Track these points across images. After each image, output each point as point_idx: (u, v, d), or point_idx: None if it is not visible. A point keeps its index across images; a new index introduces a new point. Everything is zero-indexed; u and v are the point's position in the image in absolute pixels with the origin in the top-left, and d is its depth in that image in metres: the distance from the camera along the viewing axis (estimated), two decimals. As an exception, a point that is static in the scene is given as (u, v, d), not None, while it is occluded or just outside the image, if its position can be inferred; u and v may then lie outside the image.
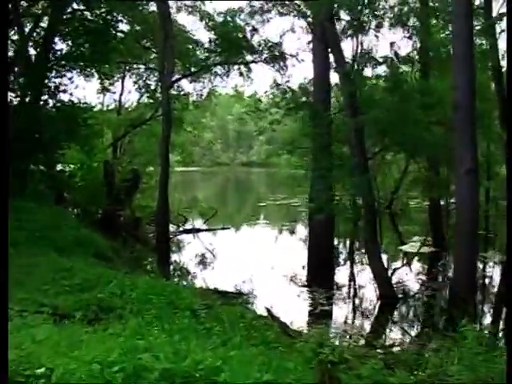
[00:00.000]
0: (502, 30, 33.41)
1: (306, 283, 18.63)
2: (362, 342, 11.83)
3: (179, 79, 31.17)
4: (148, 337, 7.97)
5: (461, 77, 13.97)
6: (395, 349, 10.68)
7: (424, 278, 19.16)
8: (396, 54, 18.34)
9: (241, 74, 32.32)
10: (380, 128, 15.83)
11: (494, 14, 32.57)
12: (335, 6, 16.05)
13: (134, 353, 5.82)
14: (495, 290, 18.18)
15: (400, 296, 16.22)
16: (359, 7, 16.60)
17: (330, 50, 19.27)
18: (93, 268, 14.66)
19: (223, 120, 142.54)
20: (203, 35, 30.14)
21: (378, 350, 10.71)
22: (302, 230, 34.65)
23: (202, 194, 62.65)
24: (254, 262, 21.00)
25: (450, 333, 9.60)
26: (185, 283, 16.54)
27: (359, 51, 17.34)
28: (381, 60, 17.55)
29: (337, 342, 10.69)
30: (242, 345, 8.27)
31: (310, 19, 21.66)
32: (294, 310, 14.94)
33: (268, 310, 13.51)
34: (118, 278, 12.55)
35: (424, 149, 16.76)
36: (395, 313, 15.27)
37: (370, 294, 16.78)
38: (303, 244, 28.30)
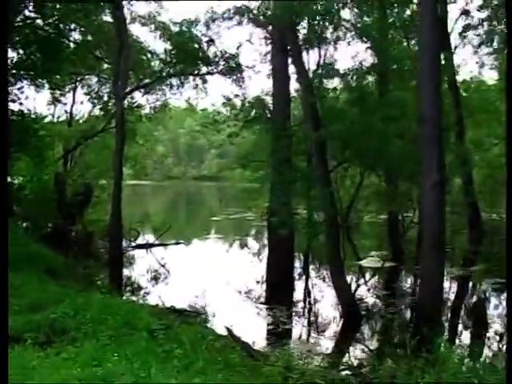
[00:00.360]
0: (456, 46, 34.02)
1: (264, 300, 18.17)
2: (329, 362, 11.40)
3: (133, 90, 30.40)
4: (105, 362, 7.49)
5: (427, 89, 13.71)
6: (364, 370, 10.26)
7: (384, 293, 18.81)
8: (360, 64, 17.95)
9: (195, 87, 31.85)
10: (342, 140, 15.48)
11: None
12: (295, 16, 15.64)
13: (91, 384, 5.29)
14: (461, 305, 17.89)
15: (363, 313, 15.82)
16: (318, 17, 16.16)
17: (291, 60, 18.96)
18: (44, 286, 14.02)
19: (175, 133, 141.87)
20: (158, 46, 29.35)
21: (347, 372, 10.31)
22: (255, 245, 34.29)
23: (153, 208, 61.82)
24: (209, 277, 20.52)
25: (421, 352, 9.17)
26: (141, 301, 15.78)
27: (321, 62, 16.97)
28: (342, 71, 17.08)
29: (302, 364, 10.16)
30: (205, 370, 7.81)
31: (268, 29, 21.22)
32: (255, 329, 14.49)
33: (228, 330, 12.98)
34: (70, 297, 11.98)
35: (387, 161, 16.46)
36: (360, 331, 14.86)
37: (332, 311, 16.37)
38: (257, 259, 27.95)
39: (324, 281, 20.56)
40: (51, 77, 25.86)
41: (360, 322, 15.21)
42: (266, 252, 29.26)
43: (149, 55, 30.07)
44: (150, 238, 30.44)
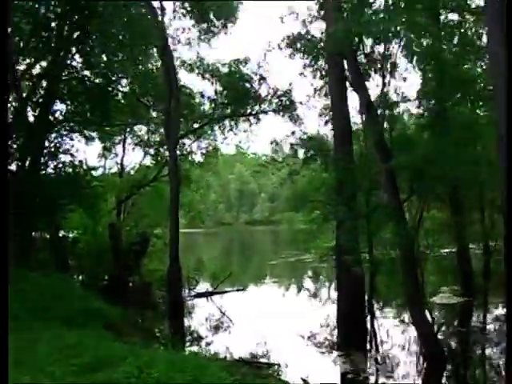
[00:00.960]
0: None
1: (336, 345, 16.97)
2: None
3: (185, 135, 29.71)
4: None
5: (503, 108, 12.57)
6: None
7: (464, 330, 17.43)
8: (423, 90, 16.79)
9: (246, 130, 31.12)
10: (415, 170, 14.29)
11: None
12: (356, 39, 14.69)
13: None
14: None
15: (447, 353, 14.49)
16: (390, 35, 14.78)
17: (352, 89, 17.94)
18: (104, 342, 13.13)
19: (225, 179, 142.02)
20: (207, 88, 28.66)
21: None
22: (314, 286, 32.97)
23: (208, 255, 60.97)
24: (272, 323, 19.50)
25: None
26: (206, 353, 14.68)
27: (384, 89, 15.83)
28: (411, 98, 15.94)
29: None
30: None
31: (322, 59, 20.31)
32: (332, 378, 13.32)
33: (305, 382, 11.94)
34: (133, 354, 10.98)
35: (464, 189, 15.25)
36: (446, 373, 13.54)
37: (412, 352, 15.10)
38: (318, 301, 26.77)
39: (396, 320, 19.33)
40: (100, 127, 25.53)
41: (445, 363, 13.91)
42: (326, 293, 28.19)
43: (199, 98, 29.44)
44: (207, 286, 29.51)
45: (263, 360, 14.65)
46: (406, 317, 19.94)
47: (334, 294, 28.51)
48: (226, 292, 27.40)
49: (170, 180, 25.03)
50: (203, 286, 29.16)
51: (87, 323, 14.59)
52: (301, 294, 30.64)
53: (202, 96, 28.85)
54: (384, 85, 15.82)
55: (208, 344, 17.72)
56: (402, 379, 13.38)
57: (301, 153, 26.24)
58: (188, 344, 17.66)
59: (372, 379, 13.48)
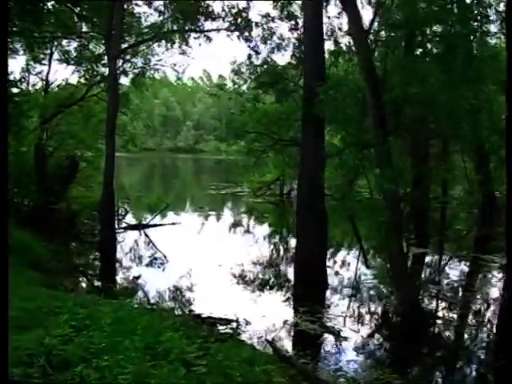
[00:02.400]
0: None
1: (293, 295, 15.23)
2: None
3: (128, 48, 26.51)
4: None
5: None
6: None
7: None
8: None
9: (182, 52, 28.41)
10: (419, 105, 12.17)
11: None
12: None
13: None
14: None
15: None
16: None
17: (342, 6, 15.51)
18: (32, 288, 10.98)
19: (149, 104, 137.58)
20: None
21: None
22: (250, 223, 31.15)
23: (135, 182, 57.99)
24: (218, 265, 17.87)
25: None
26: (153, 306, 12.47)
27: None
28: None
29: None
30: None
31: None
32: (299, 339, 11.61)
33: (274, 348, 10.16)
34: (68, 307, 9.01)
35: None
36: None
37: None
38: (264, 238, 25.12)
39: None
40: (29, 37, 22.43)
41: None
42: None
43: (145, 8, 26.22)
44: (137, 216, 27.33)
45: (217, 315, 12.59)
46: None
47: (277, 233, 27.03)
48: (160, 225, 25.21)
49: (108, 97, 22.31)
50: (138, 217, 26.96)
51: (12, 261, 12.23)
52: (240, 230, 28.65)
53: (149, 4, 25.52)
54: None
55: (156, 294, 15.37)
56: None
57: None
58: (128, 291, 15.49)
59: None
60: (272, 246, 23.86)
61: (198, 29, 25.38)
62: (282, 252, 22.65)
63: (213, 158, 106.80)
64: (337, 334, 11.73)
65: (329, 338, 11.70)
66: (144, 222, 25.11)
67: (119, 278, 17.41)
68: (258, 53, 24.54)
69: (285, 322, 12.62)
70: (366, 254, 20.62)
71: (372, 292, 15.30)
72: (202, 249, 20.64)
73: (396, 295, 12.81)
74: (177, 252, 20.10)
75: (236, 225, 30.15)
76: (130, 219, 26.15)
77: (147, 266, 18.84)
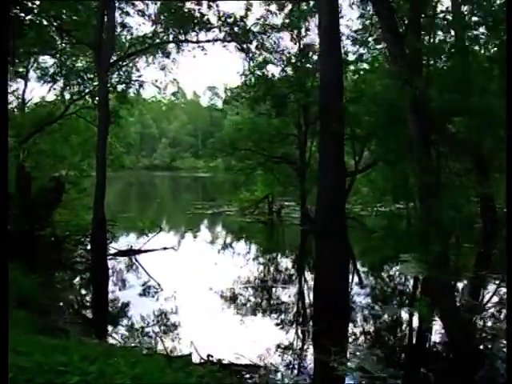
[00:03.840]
0: None
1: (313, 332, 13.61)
2: None
3: (119, 60, 24.70)
4: None
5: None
6: None
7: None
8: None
9: (162, 68, 27.19)
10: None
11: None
12: None
13: None
14: None
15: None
16: None
17: (375, 10, 13.93)
18: (27, 338, 9.37)
19: (125, 122, 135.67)
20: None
21: None
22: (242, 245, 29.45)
23: (114, 202, 55.77)
24: (224, 293, 16.51)
25: None
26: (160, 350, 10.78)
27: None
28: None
29: None
30: None
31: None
32: None
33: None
34: (73, 363, 7.34)
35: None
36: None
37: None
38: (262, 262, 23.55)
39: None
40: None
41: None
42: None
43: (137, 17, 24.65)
44: (126, 240, 25.61)
45: (243, 361, 10.94)
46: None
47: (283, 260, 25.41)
48: (152, 250, 23.41)
49: (99, 114, 20.58)
50: (122, 241, 25.18)
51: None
52: (234, 252, 26.89)
53: (143, 15, 23.83)
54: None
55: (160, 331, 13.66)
56: None
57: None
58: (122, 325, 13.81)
59: None
60: (273, 268, 22.36)
61: (194, 39, 23.74)
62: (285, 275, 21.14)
63: (190, 175, 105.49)
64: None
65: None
66: (135, 248, 23.30)
67: (114, 310, 15.66)
68: (259, 67, 22.98)
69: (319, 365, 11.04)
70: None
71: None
72: (197, 274, 19.05)
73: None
74: (171, 279, 18.41)
75: (229, 246, 28.55)
76: (118, 244, 24.31)
77: (140, 295, 17.05)
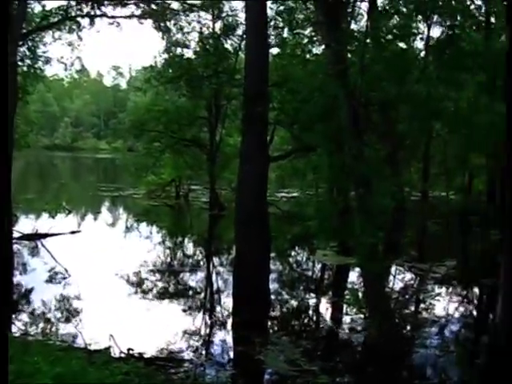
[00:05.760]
0: None
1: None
2: None
3: (32, 32, 23.19)
4: None
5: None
6: None
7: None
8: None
9: (70, 44, 26.04)
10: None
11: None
12: None
13: None
14: None
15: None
16: None
17: None
18: None
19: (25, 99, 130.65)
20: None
21: None
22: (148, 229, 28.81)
23: (14, 183, 53.33)
24: (135, 279, 16.18)
25: None
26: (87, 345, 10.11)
27: None
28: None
29: None
30: None
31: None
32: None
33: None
34: None
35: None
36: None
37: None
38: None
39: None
40: None
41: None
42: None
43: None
44: (30, 222, 24.38)
45: (154, 350, 10.43)
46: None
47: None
48: (59, 234, 22.32)
49: (8, 87, 19.27)
50: (26, 224, 23.93)
51: None
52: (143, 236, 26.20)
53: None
54: None
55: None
56: None
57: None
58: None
59: None
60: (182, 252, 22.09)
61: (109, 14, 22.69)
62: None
63: (92, 156, 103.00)
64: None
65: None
66: (41, 231, 22.12)
67: (20, 299, 14.66)
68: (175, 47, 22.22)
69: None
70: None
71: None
72: (104, 259, 18.36)
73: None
74: (78, 264, 17.44)
75: (135, 230, 28.14)
76: (22, 227, 23.00)
77: (47, 282, 16.11)
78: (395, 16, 11.71)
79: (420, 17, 12.53)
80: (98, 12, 22.14)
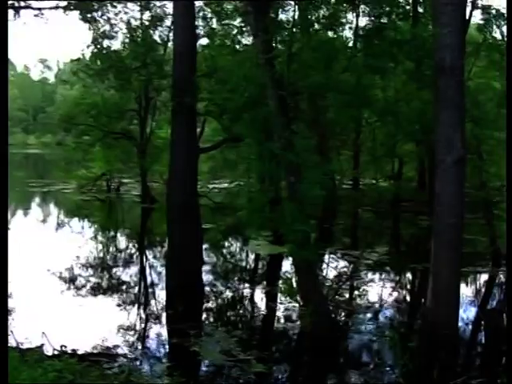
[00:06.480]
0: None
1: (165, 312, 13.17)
2: None
3: None
4: None
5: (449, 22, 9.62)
6: None
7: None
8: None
9: None
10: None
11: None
12: None
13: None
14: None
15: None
16: None
17: None
18: None
19: None
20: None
21: None
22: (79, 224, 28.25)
23: None
24: (65, 275, 15.85)
25: None
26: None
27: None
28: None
29: None
30: None
31: None
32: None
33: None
34: None
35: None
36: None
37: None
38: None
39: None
40: None
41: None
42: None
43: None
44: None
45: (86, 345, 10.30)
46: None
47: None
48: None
49: None
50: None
51: None
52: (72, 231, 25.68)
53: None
54: None
55: None
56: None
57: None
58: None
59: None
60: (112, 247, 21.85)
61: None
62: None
63: (20, 151, 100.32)
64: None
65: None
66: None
67: None
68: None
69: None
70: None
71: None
72: (38, 256, 17.81)
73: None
74: (10, 262, 16.85)
75: (66, 225, 27.72)
76: None
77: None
78: (323, 6, 11.77)
79: (348, 6, 12.63)
80: (23, 3, 21.47)
